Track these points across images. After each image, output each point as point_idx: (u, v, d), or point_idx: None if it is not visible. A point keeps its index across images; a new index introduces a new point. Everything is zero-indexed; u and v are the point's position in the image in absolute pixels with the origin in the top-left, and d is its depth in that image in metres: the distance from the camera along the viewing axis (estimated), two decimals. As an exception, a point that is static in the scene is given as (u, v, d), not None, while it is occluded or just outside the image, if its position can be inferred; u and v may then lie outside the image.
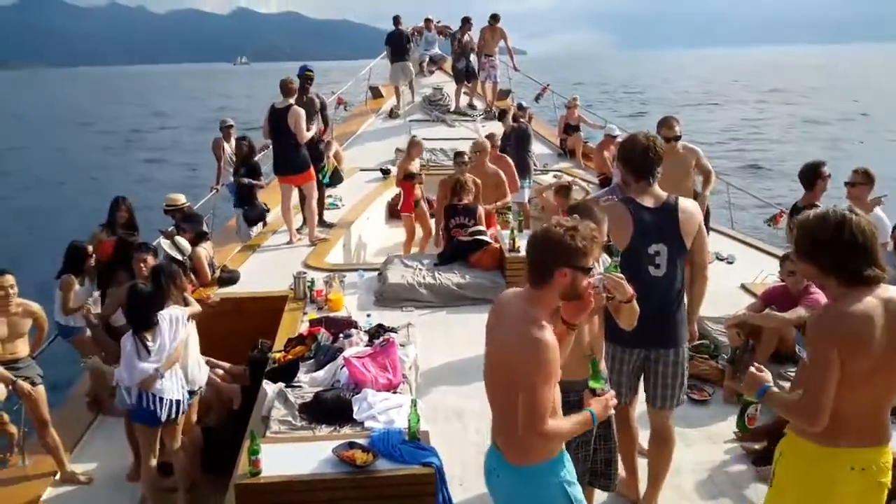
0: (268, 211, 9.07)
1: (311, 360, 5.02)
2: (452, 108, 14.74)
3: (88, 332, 6.08)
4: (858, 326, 2.43)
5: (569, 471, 2.67)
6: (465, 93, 14.83)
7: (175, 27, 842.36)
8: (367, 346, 5.12)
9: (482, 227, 7.50)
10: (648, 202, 3.57)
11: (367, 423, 4.07)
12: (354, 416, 4.15)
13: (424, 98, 15.19)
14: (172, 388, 4.51)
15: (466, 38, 14.22)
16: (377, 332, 5.43)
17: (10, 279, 4.91)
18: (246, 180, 8.74)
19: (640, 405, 3.89)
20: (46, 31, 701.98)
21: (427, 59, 16.36)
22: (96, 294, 6.16)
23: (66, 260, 6.05)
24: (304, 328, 5.66)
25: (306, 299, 6.56)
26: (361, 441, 3.74)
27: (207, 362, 5.63)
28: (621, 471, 3.63)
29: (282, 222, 8.86)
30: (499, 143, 9.28)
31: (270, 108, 8.33)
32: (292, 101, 8.26)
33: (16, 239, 17.17)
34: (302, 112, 8.16)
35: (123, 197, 7.09)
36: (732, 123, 36.18)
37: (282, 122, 8.12)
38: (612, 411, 2.73)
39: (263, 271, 7.59)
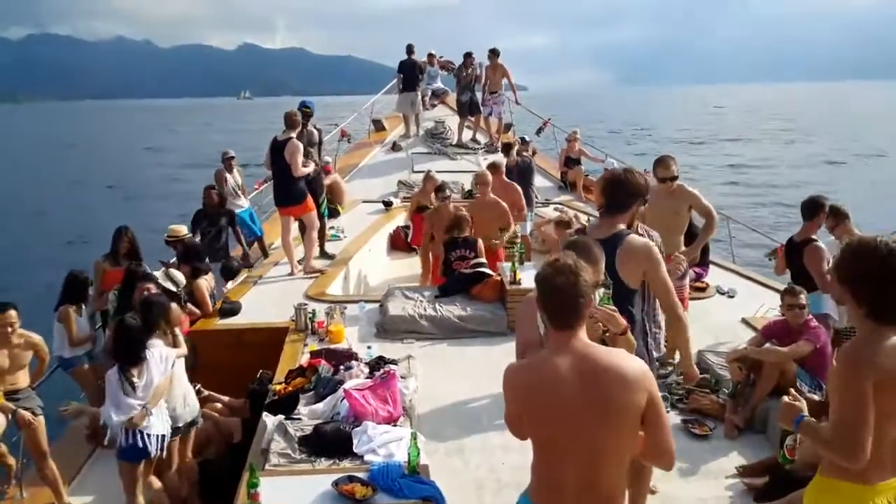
0: (249, 266, 9.01)
1: (312, 392, 5.00)
2: (454, 142, 14.87)
3: (87, 365, 6.05)
4: (894, 363, 2.38)
5: None
6: (467, 126, 14.99)
7: (181, 62, 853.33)
8: (367, 378, 5.10)
9: (483, 259, 7.53)
10: (598, 234, 3.45)
11: (367, 457, 4.05)
12: (354, 449, 4.13)
13: (427, 131, 15.33)
14: (157, 424, 4.44)
15: (469, 71, 14.43)
16: (378, 364, 5.42)
17: (12, 315, 4.86)
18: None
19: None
20: (54, 65, 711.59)
21: (430, 93, 16.57)
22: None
23: (65, 289, 6.01)
24: (304, 360, 5.65)
25: (307, 331, 6.55)
26: (361, 475, 3.73)
27: (207, 396, 5.61)
28: None
29: (283, 254, 8.88)
30: (504, 169, 9.27)
31: (273, 140, 8.43)
32: (293, 133, 8.36)
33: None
34: (299, 145, 8.26)
35: (126, 227, 7.06)
36: (744, 160, 36.42)
37: (281, 154, 8.23)
38: None
39: (265, 303, 7.59)
